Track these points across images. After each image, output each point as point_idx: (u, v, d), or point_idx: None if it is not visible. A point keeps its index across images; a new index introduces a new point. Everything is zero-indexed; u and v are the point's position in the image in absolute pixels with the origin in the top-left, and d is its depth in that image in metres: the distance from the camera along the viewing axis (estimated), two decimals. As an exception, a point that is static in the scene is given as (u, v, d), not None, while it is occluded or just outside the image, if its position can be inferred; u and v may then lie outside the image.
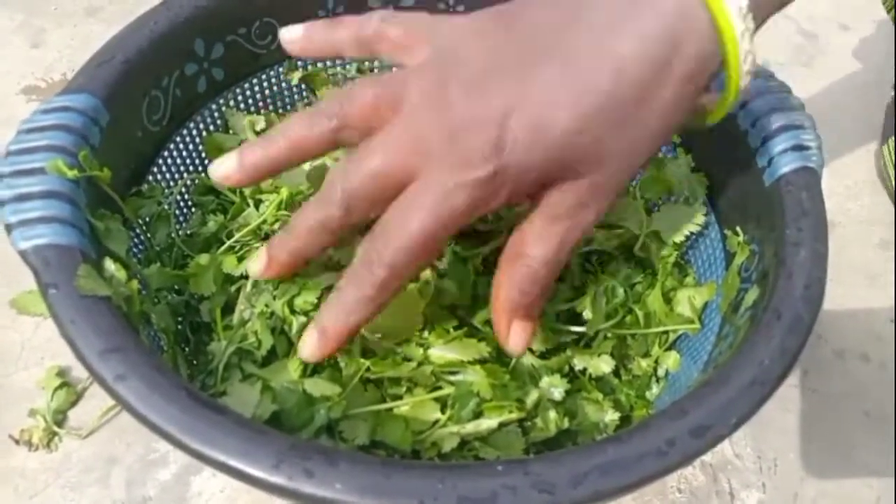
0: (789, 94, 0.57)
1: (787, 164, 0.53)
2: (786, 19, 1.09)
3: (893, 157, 0.87)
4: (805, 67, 1.03)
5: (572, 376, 0.59)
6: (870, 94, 1.00)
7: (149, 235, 0.58)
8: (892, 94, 0.94)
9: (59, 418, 0.67)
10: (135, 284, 0.47)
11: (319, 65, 0.69)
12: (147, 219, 0.58)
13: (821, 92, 0.99)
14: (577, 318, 0.59)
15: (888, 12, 0.83)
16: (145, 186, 0.60)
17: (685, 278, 0.61)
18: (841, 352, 0.78)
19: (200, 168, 0.66)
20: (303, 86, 0.69)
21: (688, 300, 0.59)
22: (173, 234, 0.59)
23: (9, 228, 0.45)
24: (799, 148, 0.53)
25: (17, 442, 0.66)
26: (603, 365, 0.56)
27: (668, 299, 0.60)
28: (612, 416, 0.55)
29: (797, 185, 0.52)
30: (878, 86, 1.00)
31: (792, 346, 0.45)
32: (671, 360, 0.60)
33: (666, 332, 0.59)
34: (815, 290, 0.47)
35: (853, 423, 0.73)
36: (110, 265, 0.46)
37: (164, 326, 0.53)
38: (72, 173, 0.47)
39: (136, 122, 0.57)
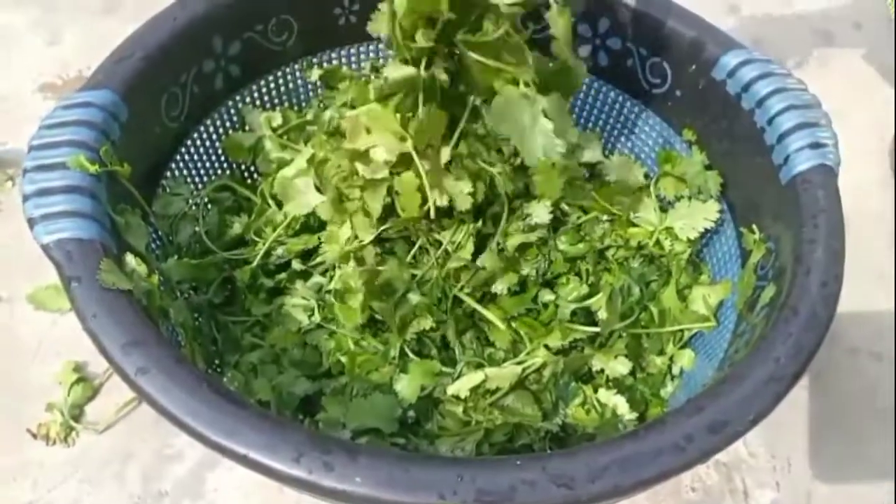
0: (805, 90, 0.57)
1: (803, 162, 0.53)
2: (800, 18, 1.09)
3: None
4: (819, 65, 1.03)
5: (589, 376, 0.59)
6: (882, 91, 1.00)
7: (169, 233, 0.59)
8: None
9: (76, 413, 0.68)
10: (155, 279, 0.47)
11: (336, 62, 0.69)
12: (170, 216, 0.59)
13: (834, 89, 0.98)
14: (591, 316, 0.59)
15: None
16: (171, 183, 0.60)
17: (700, 276, 0.61)
18: (854, 351, 0.78)
19: (217, 165, 0.67)
20: (319, 83, 0.70)
21: (702, 298, 0.59)
22: (200, 233, 0.59)
23: (31, 223, 0.45)
24: (815, 146, 0.53)
25: (34, 436, 0.66)
26: (620, 367, 0.57)
27: (682, 297, 0.60)
28: (630, 416, 0.55)
29: (813, 183, 0.52)
30: (891, 83, 1.00)
31: (809, 343, 0.45)
32: (686, 359, 0.60)
33: (681, 331, 0.59)
34: (831, 287, 0.47)
35: (866, 422, 0.73)
36: (131, 259, 0.47)
37: (182, 321, 0.53)
38: (93, 168, 0.48)
39: (155, 118, 0.58)
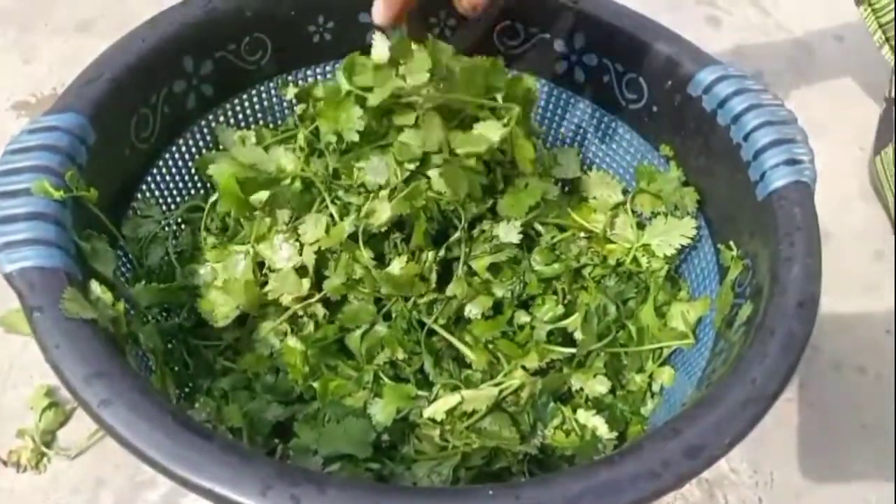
0: (781, 106, 0.56)
1: (779, 179, 0.52)
2: (780, 30, 1.09)
3: (894, 167, 0.87)
4: (799, 78, 1.03)
5: (568, 395, 0.58)
6: (863, 104, 1.00)
7: (140, 256, 0.58)
8: (885, 103, 0.94)
9: (48, 439, 0.67)
10: (121, 306, 0.46)
11: (312, 79, 0.69)
12: (140, 238, 0.58)
13: (814, 102, 0.99)
14: (569, 336, 0.58)
15: (882, 48, 0.83)
16: (142, 205, 0.59)
17: (678, 293, 0.61)
18: (837, 364, 0.77)
19: (191, 185, 0.66)
20: (295, 100, 0.69)
21: (681, 315, 0.59)
22: (170, 254, 0.58)
23: (-7, 251, 0.44)
24: (791, 162, 0.53)
25: (5, 463, 0.65)
26: (599, 386, 0.56)
27: (661, 314, 0.59)
28: (609, 436, 0.54)
29: (790, 200, 0.52)
30: (871, 96, 1.00)
31: (786, 364, 0.44)
32: (666, 376, 0.59)
33: (660, 348, 0.59)
34: (808, 307, 0.47)
35: (850, 436, 0.73)
36: (96, 287, 0.46)
37: (153, 347, 0.52)
38: (58, 194, 0.47)
39: (125, 140, 0.57)
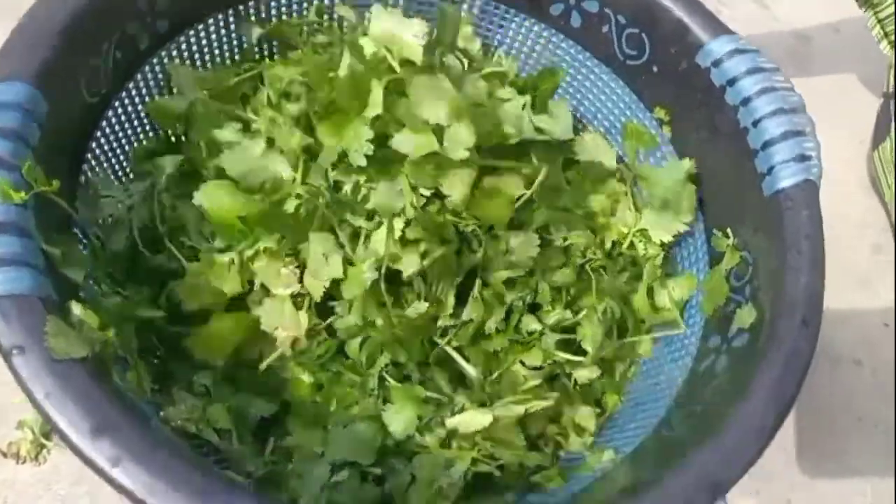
0: (792, 91, 0.54)
1: (788, 177, 0.51)
2: (778, 22, 1.05)
3: (892, 161, 0.87)
4: (797, 70, 1.00)
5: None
6: (862, 97, 0.99)
7: (100, 235, 0.51)
8: (882, 98, 0.93)
9: (48, 430, 0.62)
10: (111, 333, 0.41)
11: (276, 10, 0.60)
12: (101, 224, 0.51)
13: (812, 95, 0.95)
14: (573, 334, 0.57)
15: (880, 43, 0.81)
16: (94, 178, 0.51)
17: (669, 275, 0.61)
18: (834, 358, 0.78)
19: (141, 132, 0.58)
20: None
21: (667, 293, 0.59)
22: (134, 236, 0.52)
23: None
24: (801, 158, 0.52)
25: (5, 455, 0.62)
26: (589, 373, 0.56)
27: (650, 294, 0.59)
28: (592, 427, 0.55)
29: (798, 202, 0.50)
30: (870, 89, 0.99)
31: (789, 389, 0.46)
32: (644, 346, 0.60)
33: (647, 324, 0.59)
34: (812, 323, 0.47)
35: (846, 430, 0.74)
36: (77, 309, 0.40)
37: (130, 346, 0.47)
38: (18, 196, 0.39)
39: (76, 101, 0.48)
